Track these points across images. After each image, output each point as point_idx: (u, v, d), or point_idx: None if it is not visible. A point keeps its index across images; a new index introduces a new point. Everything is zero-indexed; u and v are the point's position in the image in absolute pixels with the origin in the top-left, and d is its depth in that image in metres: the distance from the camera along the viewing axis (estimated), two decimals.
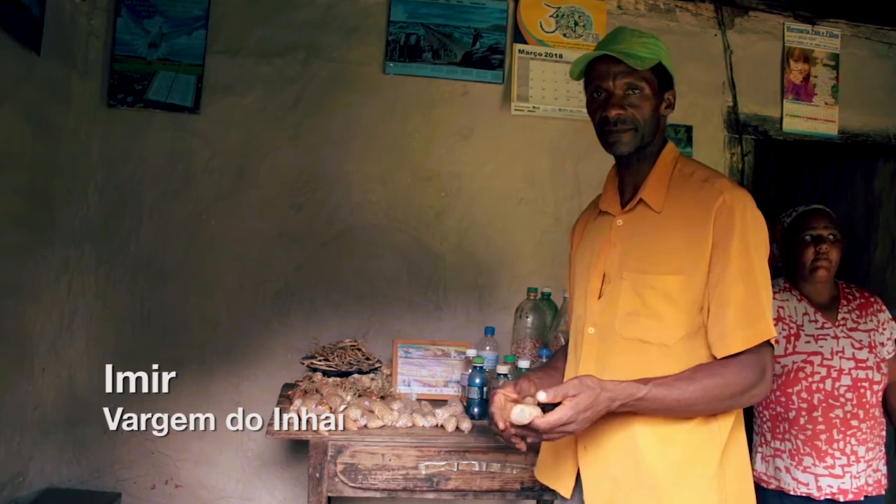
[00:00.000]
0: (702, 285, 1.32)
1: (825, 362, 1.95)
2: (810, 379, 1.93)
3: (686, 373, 1.30)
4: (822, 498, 1.91)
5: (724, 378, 1.28)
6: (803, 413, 1.94)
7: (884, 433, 2.00)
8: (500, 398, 1.34)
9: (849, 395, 1.92)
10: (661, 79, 1.43)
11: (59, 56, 2.36)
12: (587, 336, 1.44)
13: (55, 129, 2.39)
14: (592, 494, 1.39)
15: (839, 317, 2.00)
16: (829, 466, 1.91)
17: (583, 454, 1.41)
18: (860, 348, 1.96)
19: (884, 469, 1.98)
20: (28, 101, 2.18)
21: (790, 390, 1.95)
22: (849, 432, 1.91)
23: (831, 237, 2.00)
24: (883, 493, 1.97)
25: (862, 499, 1.92)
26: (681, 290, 1.33)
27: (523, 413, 1.24)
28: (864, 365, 1.95)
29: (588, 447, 1.39)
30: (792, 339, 1.98)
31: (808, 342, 1.97)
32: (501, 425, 1.29)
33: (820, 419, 1.92)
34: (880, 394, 1.98)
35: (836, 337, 1.97)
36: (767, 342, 1.30)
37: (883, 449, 2.00)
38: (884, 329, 2.01)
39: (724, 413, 1.33)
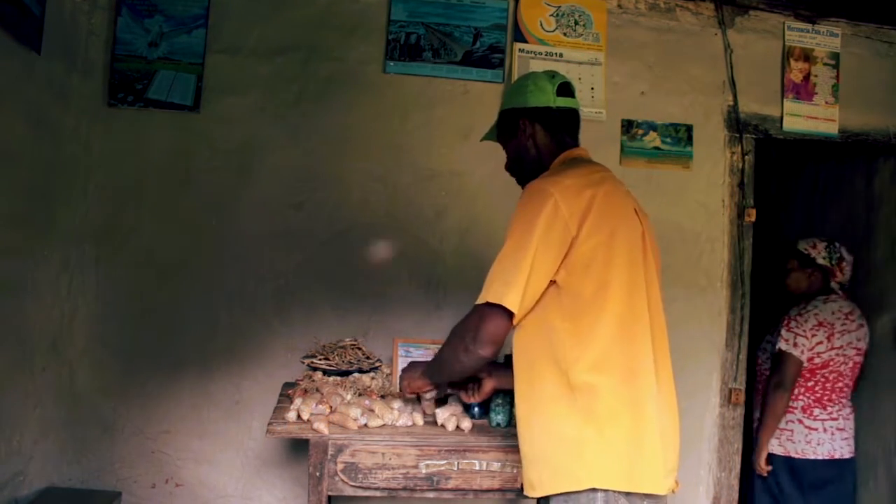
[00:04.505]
0: None
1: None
2: None
3: None
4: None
5: (451, 337, 1.59)
6: None
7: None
8: None
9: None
10: (508, 121, 1.72)
11: (59, 55, 2.36)
12: None
13: (55, 129, 2.39)
14: None
15: None
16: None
17: None
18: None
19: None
20: (28, 101, 2.18)
21: None
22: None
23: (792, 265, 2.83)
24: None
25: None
26: None
27: None
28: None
29: None
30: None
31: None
32: None
33: None
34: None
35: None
36: (503, 311, 1.45)
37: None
38: None
39: (537, 378, 1.49)
